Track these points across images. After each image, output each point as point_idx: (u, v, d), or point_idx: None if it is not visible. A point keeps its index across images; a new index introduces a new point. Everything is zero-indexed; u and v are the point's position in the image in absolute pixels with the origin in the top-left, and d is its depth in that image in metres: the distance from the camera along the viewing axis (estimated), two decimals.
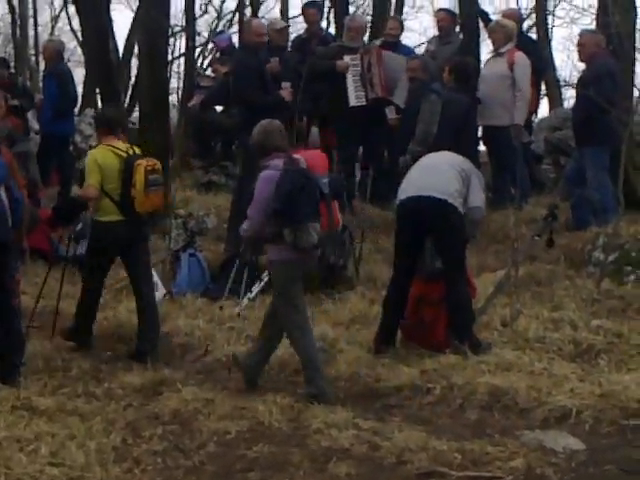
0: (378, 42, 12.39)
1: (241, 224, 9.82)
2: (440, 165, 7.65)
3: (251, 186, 9.66)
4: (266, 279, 9.11)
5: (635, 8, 11.00)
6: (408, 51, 12.52)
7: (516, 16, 12.39)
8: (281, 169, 6.58)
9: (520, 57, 10.82)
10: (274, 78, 10.95)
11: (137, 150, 8.07)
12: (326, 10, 21.13)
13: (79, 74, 25.51)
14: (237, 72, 10.81)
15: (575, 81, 12.48)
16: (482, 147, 11.81)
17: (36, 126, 14.31)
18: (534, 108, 12.31)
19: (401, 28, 12.63)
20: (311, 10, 13.14)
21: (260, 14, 24.09)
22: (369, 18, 16.32)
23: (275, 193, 6.50)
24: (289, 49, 12.76)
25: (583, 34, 10.57)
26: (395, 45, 12.08)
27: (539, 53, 13.04)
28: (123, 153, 7.90)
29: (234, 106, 11.54)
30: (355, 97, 11.27)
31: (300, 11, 14.63)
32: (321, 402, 6.44)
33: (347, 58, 11.32)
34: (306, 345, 6.73)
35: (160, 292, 9.35)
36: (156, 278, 9.48)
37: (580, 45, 10.34)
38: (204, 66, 25.58)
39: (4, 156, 7.15)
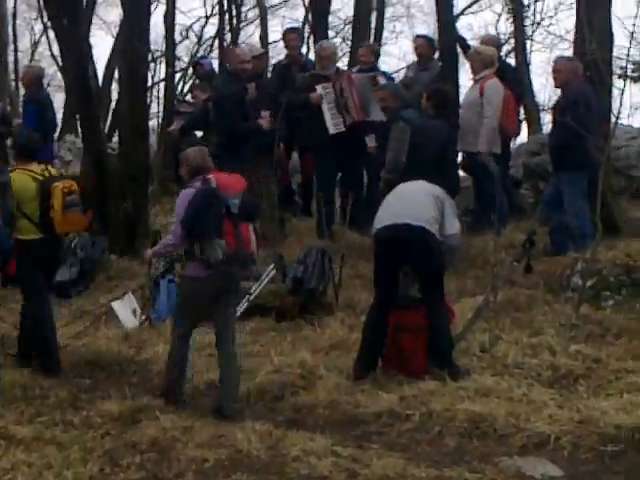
0: (355, 69, 12.43)
1: None
2: (415, 193, 7.71)
3: None
4: (246, 305, 9.13)
5: (611, 35, 11.05)
6: (386, 77, 12.54)
7: (495, 42, 12.42)
8: (197, 188, 7.09)
9: (490, 84, 10.79)
10: (252, 105, 10.95)
11: (53, 172, 8.35)
12: (306, 35, 21.29)
13: (59, 99, 25.56)
14: (217, 98, 10.81)
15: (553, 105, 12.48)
16: (462, 173, 11.85)
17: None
18: (515, 133, 12.35)
19: (373, 54, 12.60)
20: (291, 35, 13.17)
21: (240, 40, 24.23)
22: (349, 43, 16.41)
23: (185, 210, 7.00)
24: (269, 75, 12.78)
25: (558, 60, 10.63)
26: (371, 71, 12.05)
27: (518, 79, 13.11)
28: (39, 176, 8.08)
29: (213, 132, 11.53)
30: (333, 125, 11.24)
31: (279, 37, 14.65)
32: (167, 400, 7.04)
33: (319, 87, 11.27)
34: (181, 356, 7.20)
35: (138, 318, 9.35)
36: (135, 304, 9.48)
37: (556, 72, 10.39)
38: (184, 91, 25.68)
39: None
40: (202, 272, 7.02)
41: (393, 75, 15.43)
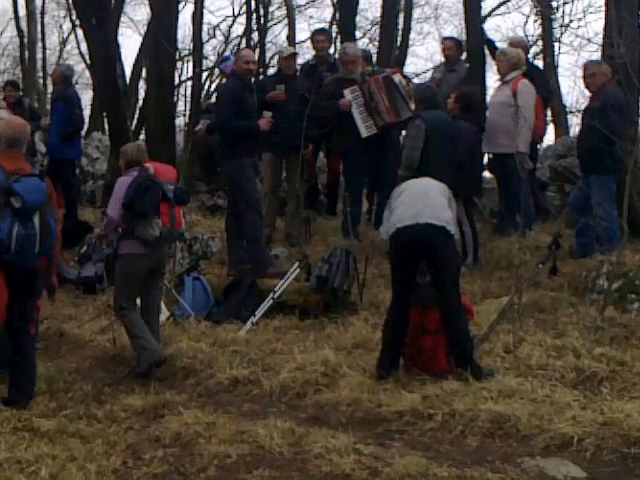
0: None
1: (239, 246, 10.06)
2: (431, 191, 7.70)
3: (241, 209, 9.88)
4: (270, 303, 9.16)
5: None
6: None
7: (522, 44, 12.38)
8: (134, 175, 7.96)
9: (523, 85, 10.81)
10: (280, 105, 10.96)
11: None
12: (333, 35, 21.30)
13: (87, 97, 25.74)
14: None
15: (581, 107, 12.45)
16: (487, 174, 11.83)
17: (43, 149, 14.39)
18: (541, 135, 12.29)
19: (367, 60, 12.39)
20: (320, 37, 13.15)
21: (267, 39, 24.25)
22: (376, 44, 16.33)
23: (126, 192, 7.86)
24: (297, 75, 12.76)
25: (590, 65, 10.58)
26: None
27: (545, 81, 13.06)
28: None
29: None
30: (365, 128, 11.18)
31: (306, 37, 14.62)
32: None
33: (347, 92, 11.26)
34: (133, 322, 7.96)
35: (163, 315, 9.39)
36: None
37: (588, 76, 10.33)
38: (211, 90, 25.74)
39: (47, 185, 7.24)
40: (140, 249, 7.87)
41: (420, 75, 15.43)
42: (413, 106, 10.92)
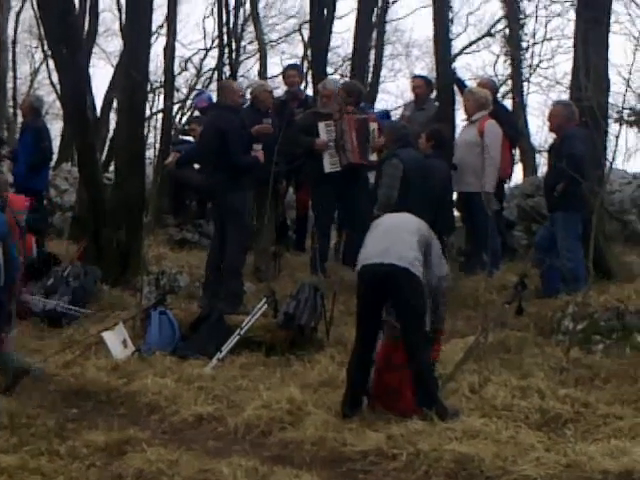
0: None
1: (217, 283, 10.04)
2: (401, 230, 7.60)
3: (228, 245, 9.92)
4: (236, 338, 9.13)
5: (608, 80, 11.11)
6: (381, 115, 12.65)
7: (490, 86, 12.46)
8: None
9: (490, 125, 10.92)
10: (265, 140, 11.02)
11: None
12: (304, 71, 21.40)
13: (57, 127, 25.66)
14: (224, 132, 10.51)
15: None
16: (456, 212, 11.89)
17: (10, 179, 14.31)
18: (507, 175, 12.37)
19: (347, 93, 12.40)
20: (291, 72, 13.27)
21: (239, 73, 24.34)
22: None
23: None
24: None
25: (554, 105, 10.70)
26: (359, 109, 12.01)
27: (513, 121, 13.17)
28: None
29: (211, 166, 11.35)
30: (330, 163, 11.26)
31: (278, 72, 14.71)
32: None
33: (321, 125, 11.32)
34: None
35: (129, 349, 9.33)
36: (125, 335, 9.46)
37: (551, 116, 10.46)
38: (182, 123, 25.77)
39: (6, 215, 7.22)
40: None
41: (391, 112, 15.54)
42: (373, 157, 11.08)
